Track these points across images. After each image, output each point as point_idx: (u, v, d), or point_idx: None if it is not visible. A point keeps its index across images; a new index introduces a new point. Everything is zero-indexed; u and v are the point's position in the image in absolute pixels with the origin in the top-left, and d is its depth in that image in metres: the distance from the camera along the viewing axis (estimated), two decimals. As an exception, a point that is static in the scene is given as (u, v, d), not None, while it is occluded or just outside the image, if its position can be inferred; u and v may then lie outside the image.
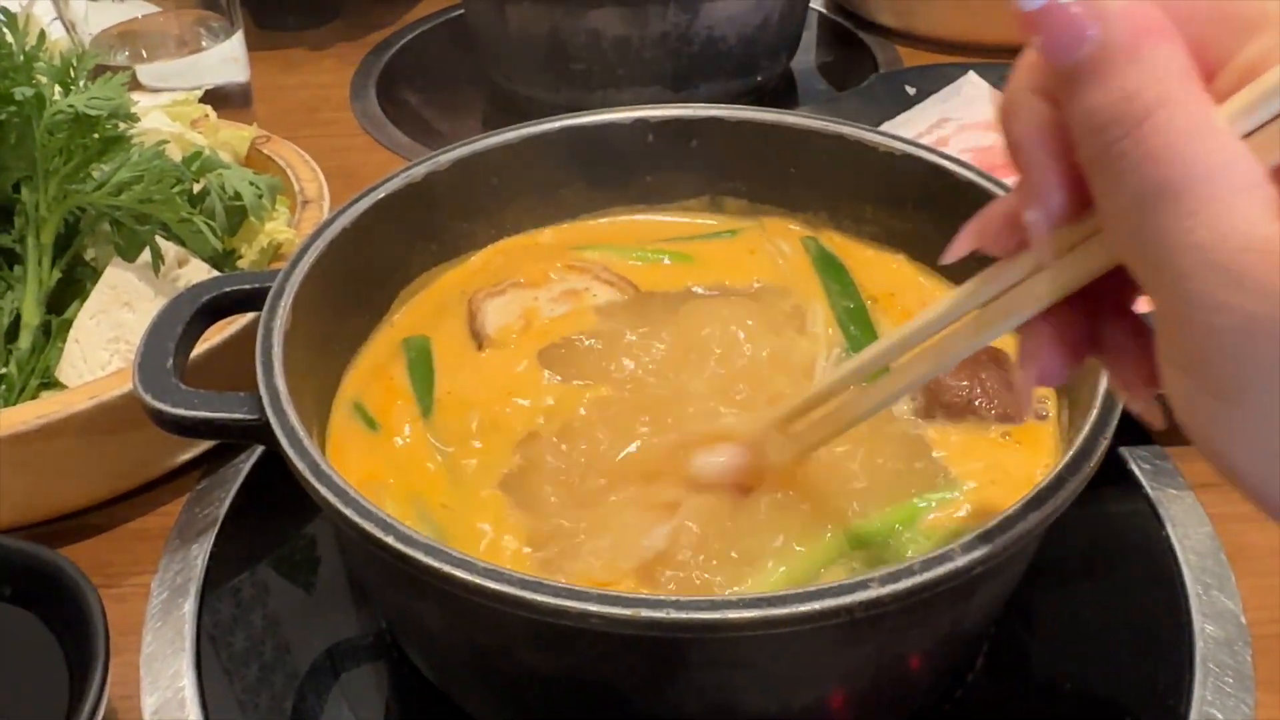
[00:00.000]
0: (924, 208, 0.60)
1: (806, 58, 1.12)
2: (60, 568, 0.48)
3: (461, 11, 1.07)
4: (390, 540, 0.37)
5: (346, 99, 1.07)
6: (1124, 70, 0.27)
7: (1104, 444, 0.40)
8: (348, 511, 0.38)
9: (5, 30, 0.63)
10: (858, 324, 0.58)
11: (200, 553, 0.59)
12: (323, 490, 0.39)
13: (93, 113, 0.60)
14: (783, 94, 1.07)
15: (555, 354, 0.56)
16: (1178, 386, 0.28)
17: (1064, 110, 0.29)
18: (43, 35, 0.65)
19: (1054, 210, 0.31)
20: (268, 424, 0.43)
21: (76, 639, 0.48)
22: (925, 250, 0.61)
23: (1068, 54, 0.28)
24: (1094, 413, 0.42)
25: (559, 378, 0.54)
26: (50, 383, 0.63)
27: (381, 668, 0.54)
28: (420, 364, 0.55)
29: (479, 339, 0.58)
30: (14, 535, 0.57)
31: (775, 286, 0.62)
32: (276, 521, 0.61)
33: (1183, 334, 0.27)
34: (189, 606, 0.56)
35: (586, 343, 0.56)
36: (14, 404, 0.61)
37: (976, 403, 0.51)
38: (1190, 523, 0.58)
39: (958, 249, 0.36)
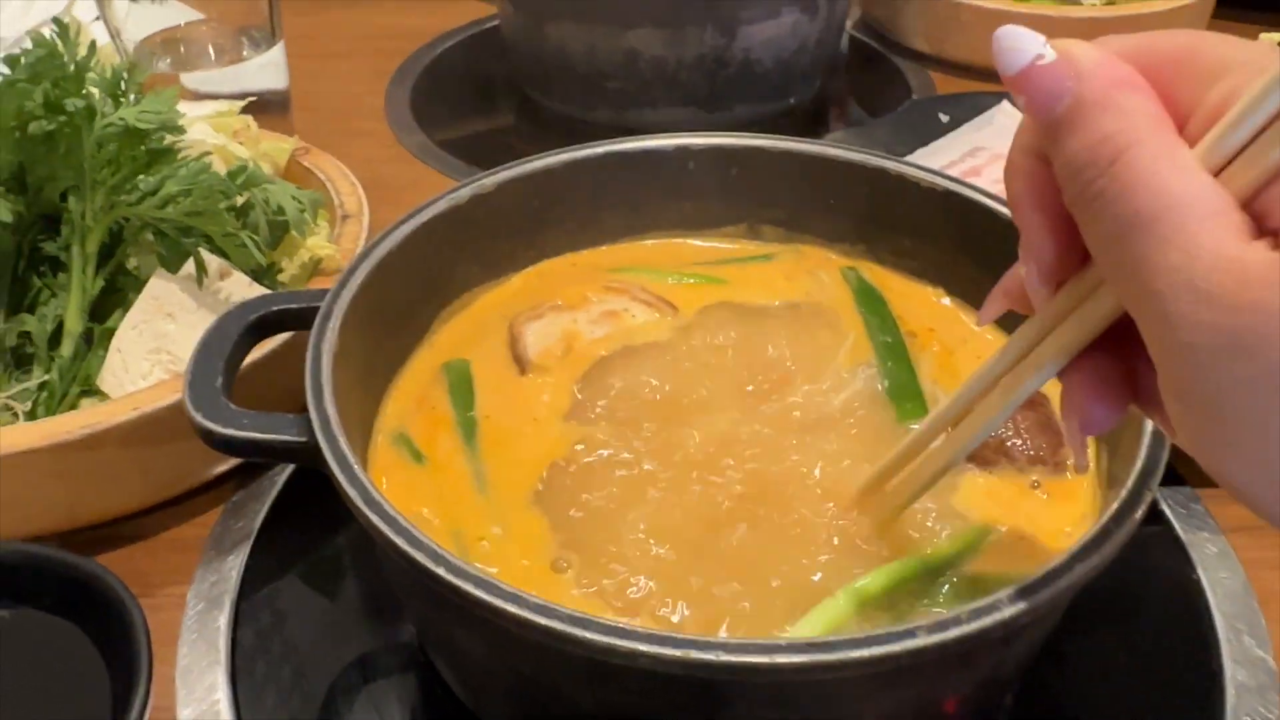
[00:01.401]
0: (965, 245, 0.61)
1: (838, 80, 1.12)
2: (105, 580, 0.49)
3: (496, 22, 1.08)
4: (441, 571, 0.38)
5: (380, 108, 1.08)
6: (1098, 118, 0.29)
7: (1149, 496, 0.41)
8: (399, 540, 0.39)
9: (57, 40, 0.64)
10: (895, 359, 0.58)
11: (235, 564, 0.59)
12: (373, 518, 0.40)
13: (143, 126, 0.61)
14: (815, 116, 1.07)
15: (599, 380, 0.56)
16: (1173, 411, 0.29)
17: (1052, 162, 0.31)
18: (94, 45, 0.66)
19: (1046, 260, 0.34)
20: (316, 447, 0.44)
21: (119, 652, 0.48)
22: (965, 286, 0.61)
23: (1049, 109, 0.30)
24: (1139, 462, 0.42)
25: (603, 405, 0.55)
26: (91, 391, 0.63)
27: (412, 682, 0.55)
28: (461, 391, 0.55)
29: (521, 363, 0.58)
30: (52, 542, 0.59)
31: (812, 305, 0.62)
32: (310, 534, 0.62)
33: (1167, 357, 0.28)
34: (224, 619, 0.57)
35: (633, 369, 0.56)
36: (55, 411, 0.62)
37: (1009, 443, 0.51)
38: (1222, 567, 0.58)
39: (989, 313, 0.39)
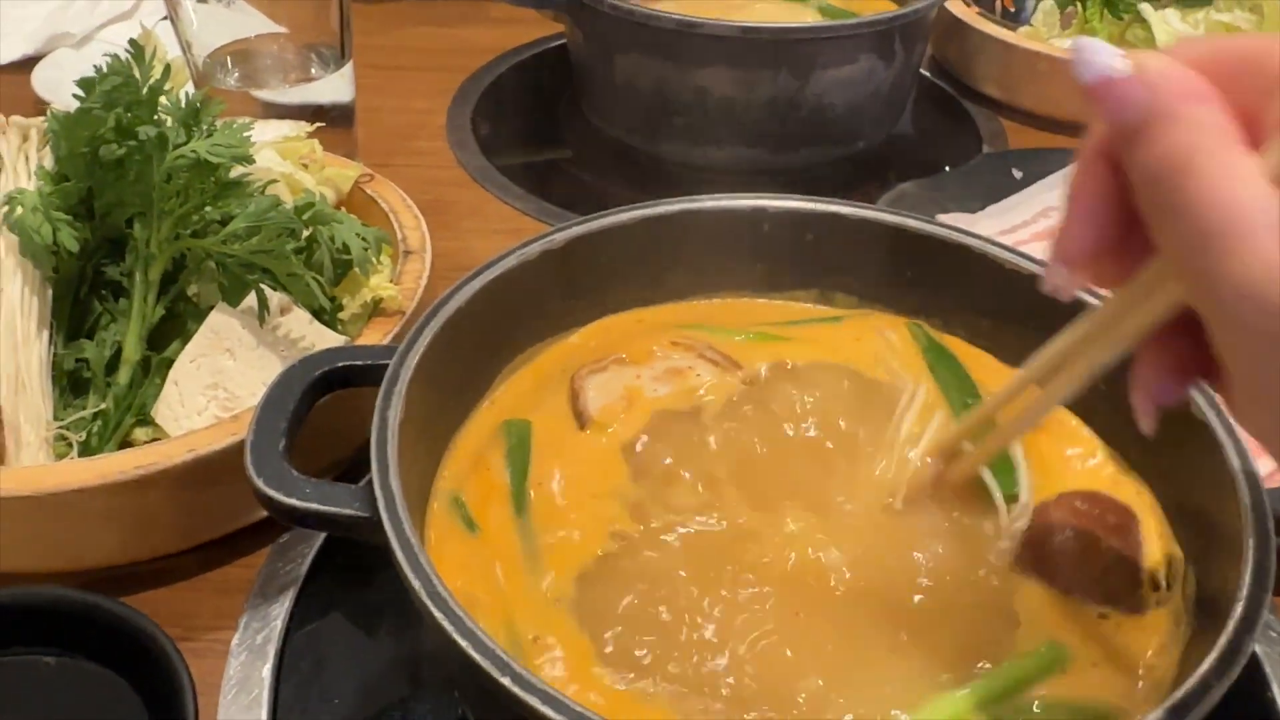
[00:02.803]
0: (1048, 333, 0.58)
1: (906, 122, 1.10)
2: (153, 635, 0.48)
3: (563, 40, 1.06)
4: (506, 682, 0.36)
5: (442, 127, 1.07)
6: (1168, 130, 0.31)
7: (1251, 645, 0.39)
8: (464, 644, 0.37)
9: (133, 64, 0.63)
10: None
11: (280, 612, 0.58)
12: (437, 615, 0.38)
13: (214, 160, 0.60)
14: (882, 161, 1.05)
15: (660, 449, 0.55)
16: (1238, 401, 0.33)
17: (1126, 168, 0.33)
18: (168, 69, 0.66)
19: (1085, 249, 0.36)
20: (379, 523, 0.43)
21: (164, 706, 0.47)
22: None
23: (1122, 120, 0.32)
24: (1239, 606, 0.40)
25: (666, 474, 0.53)
26: (145, 420, 0.62)
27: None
28: (518, 456, 0.54)
29: (582, 419, 0.56)
30: (96, 578, 0.58)
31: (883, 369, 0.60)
32: (358, 581, 0.60)
33: (1232, 359, 0.31)
34: (267, 669, 0.56)
35: (697, 438, 0.55)
36: (109, 439, 0.61)
37: (1079, 574, 0.48)
38: (1298, 687, 0.56)
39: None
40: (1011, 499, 0.51)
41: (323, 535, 0.63)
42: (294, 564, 0.61)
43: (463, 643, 0.37)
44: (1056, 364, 0.44)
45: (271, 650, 0.56)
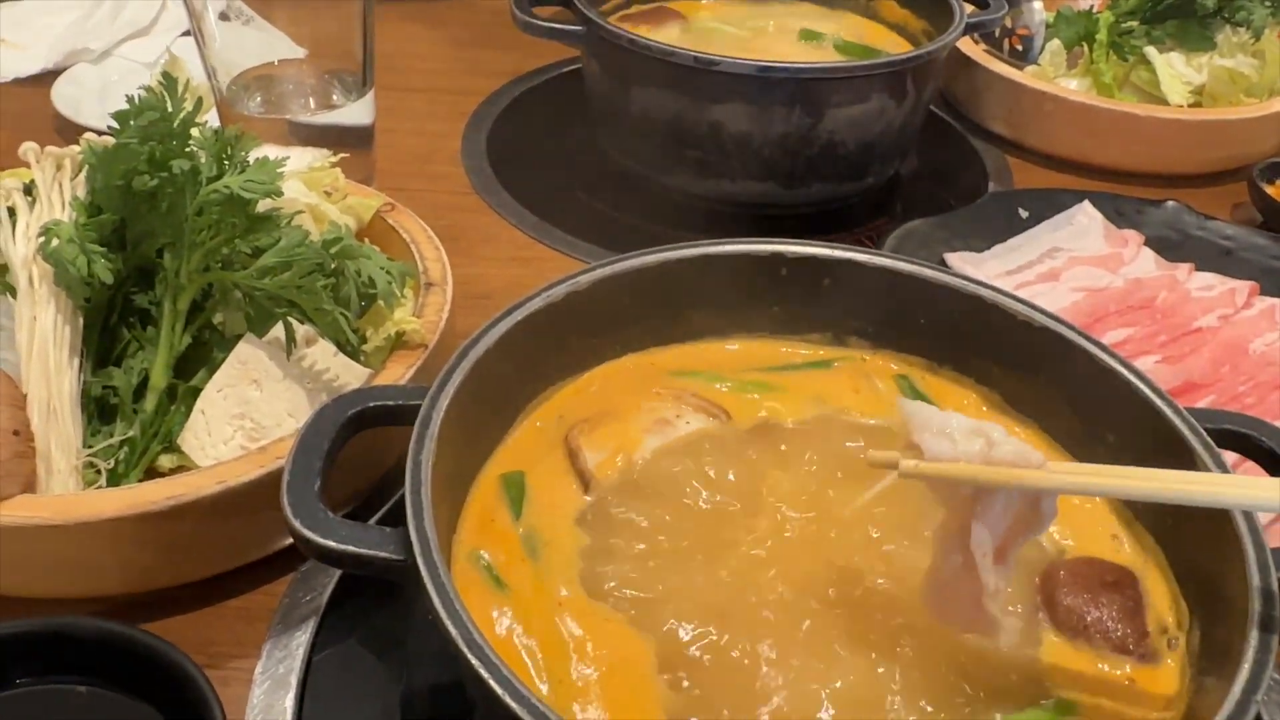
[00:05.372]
0: (1057, 381, 0.60)
1: (914, 158, 1.11)
2: (185, 670, 0.49)
3: (578, 65, 1.08)
4: (541, 730, 0.38)
5: (458, 151, 1.08)
6: None
7: (1256, 706, 0.40)
8: (500, 691, 0.39)
9: (165, 96, 0.64)
10: None
11: (302, 641, 0.59)
12: (474, 663, 0.40)
13: (247, 195, 0.61)
14: (889, 196, 1.07)
15: (655, 505, 0.56)
16: None
17: None
18: (200, 102, 0.67)
19: None
20: (414, 566, 0.44)
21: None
22: (1053, 423, 0.61)
23: None
24: (1246, 667, 0.41)
25: (664, 534, 0.54)
26: (171, 448, 0.63)
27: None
28: (517, 503, 0.55)
29: (584, 479, 0.57)
30: (120, 604, 0.59)
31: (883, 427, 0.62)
32: (377, 610, 0.62)
33: None
34: (289, 699, 0.57)
35: (689, 492, 0.56)
36: (135, 465, 0.62)
37: (1091, 628, 0.50)
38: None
39: None
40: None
41: (343, 564, 0.64)
42: (315, 593, 0.62)
43: (499, 690, 0.39)
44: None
45: (294, 679, 0.57)
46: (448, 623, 0.41)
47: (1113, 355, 0.57)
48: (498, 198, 1.02)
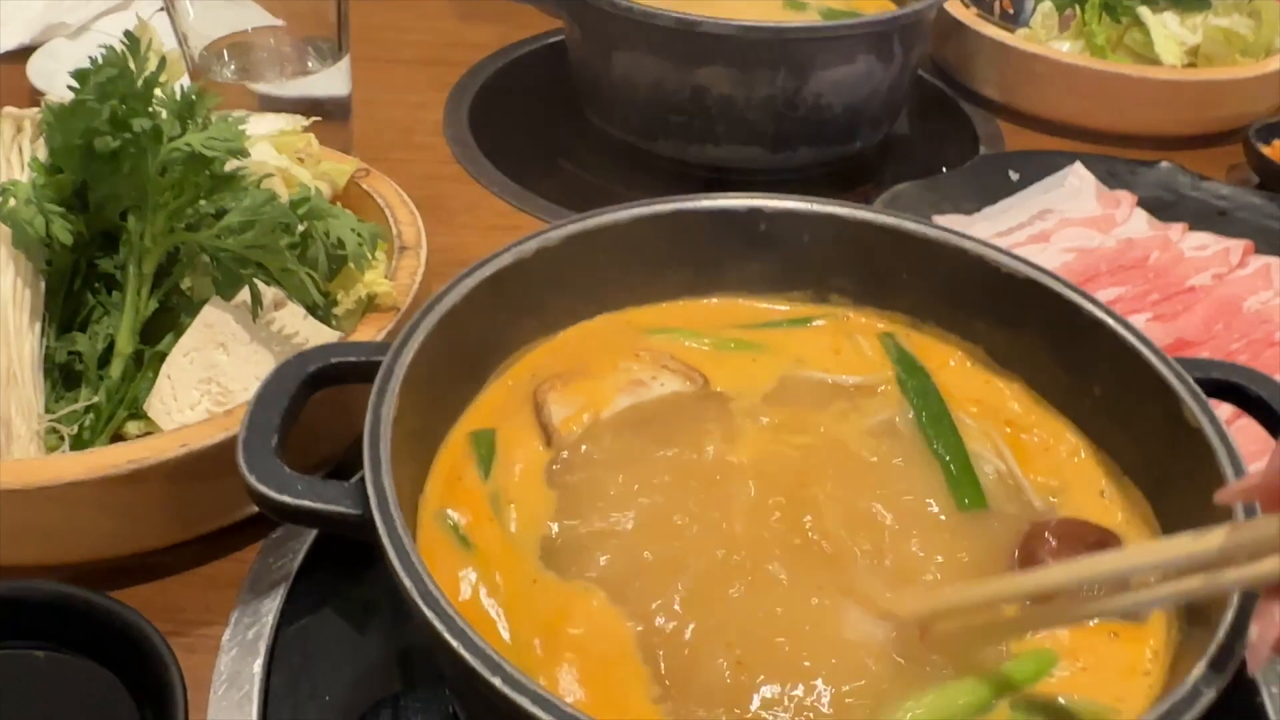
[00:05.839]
0: (1043, 334, 0.58)
1: (904, 123, 1.10)
2: (144, 631, 0.48)
3: (560, 36, 1.06)
4: (497, 682, 0.36)
5: (440, 122, 1.07)
6: None
7: (1242, 651, 0.39)
8: (455, 643, 0.37)
9: (128, 55, 0.63)
10: (938, 430, 0.56)
11: (271, 608, 0.58)
12: (429, 613, 0.38)
13: (209, 153, 0.60)
14: (879, 161, 1.05)
15: (622, 463, 0.54)
16: None
17: None
18: (163, 61, 0.65)
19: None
20: (371, 522, 0.43)
21: (154, 702, 0.47)
22: (1038, 377, 0.60)
23: None
24: (1230, 612, 0.40)
25: (631, 492, 0.53)
26: (137, 414, 0.62)
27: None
28: (486, 461, 0.54)
29: (547, 433, 0.56)
30: (86, 571, 0.58)
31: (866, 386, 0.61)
32: (349, 577, 0.60)
33: None
34: (257, 665, 0.55)
35: (655, 450, 0.55)
36: (101, 432, 0.61)
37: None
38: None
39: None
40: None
41: (314, 532, 0.62)
42: (285, 560, 0.61)
43: (454, 642, 0.37)
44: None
45: (262, 646, 0.56)
46: (402, 575, 0.40)
47: (1100, 306, 0.55)
48: (479, 166, 1.00)
